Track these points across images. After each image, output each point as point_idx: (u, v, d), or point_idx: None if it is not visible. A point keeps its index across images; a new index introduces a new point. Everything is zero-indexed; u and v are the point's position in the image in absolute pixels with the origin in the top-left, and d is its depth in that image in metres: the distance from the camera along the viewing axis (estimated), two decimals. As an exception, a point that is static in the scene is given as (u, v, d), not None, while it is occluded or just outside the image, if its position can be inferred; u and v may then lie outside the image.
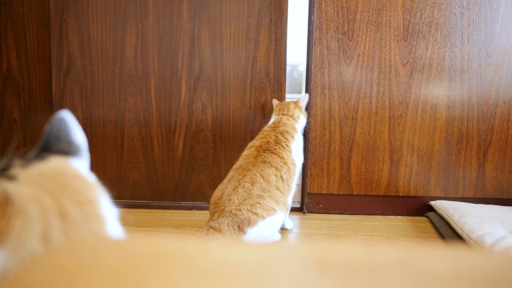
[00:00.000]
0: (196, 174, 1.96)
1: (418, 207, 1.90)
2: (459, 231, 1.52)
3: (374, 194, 1.91)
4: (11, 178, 0.37)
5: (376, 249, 0.34)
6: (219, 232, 1.40)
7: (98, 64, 1.91)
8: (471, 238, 1.42)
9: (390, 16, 1.80)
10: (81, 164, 0.46)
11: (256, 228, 1.41)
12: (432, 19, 1.80)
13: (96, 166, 1.96)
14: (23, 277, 0.29)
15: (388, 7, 1.79)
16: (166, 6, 1.87)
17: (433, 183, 1.88)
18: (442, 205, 1.75)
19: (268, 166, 1.50)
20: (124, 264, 0.30)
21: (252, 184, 1.45)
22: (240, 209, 1.40)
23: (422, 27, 1.80)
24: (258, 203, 1.42)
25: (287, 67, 1.91)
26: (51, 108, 1.95)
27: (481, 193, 1.88)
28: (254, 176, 1.47)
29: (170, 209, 1.95)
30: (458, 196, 1.88)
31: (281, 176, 1.51)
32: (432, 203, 1.84)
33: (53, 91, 1.93)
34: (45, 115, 1.97)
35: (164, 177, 1.96)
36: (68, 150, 0.45)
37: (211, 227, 1.42)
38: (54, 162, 0.43)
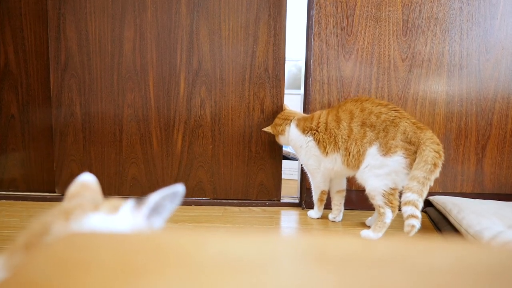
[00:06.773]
0: (195, 170, 1.96)
1: (417, 203, 1.90)
2: (457, 226, 1.52)
3: (372, 189, 1.90)
4: None
5: (375, 244, 0.34)
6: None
7: (96, 59, 1.90)
8: (469, 233, 1.42)
9: (389, 11, 1.79)
10: None
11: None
12: (432, 14, 1.79)
13: (95, 162, 1.95)
14: (22, 270, 0.29)
15: (388, 2, 1.79)
16: (164, 1, 1.86)
17: (432, 179, 1.88)
18: (440, 200, 1.76)
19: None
20: (122, 258, 0.30)
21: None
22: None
23: (421, 22, 1.80)
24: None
25: (286, 62, 1.91)
26: (49, 103, 1.95)
27: (480, 188, 1.88)
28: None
29: (169, 204, 1.94)
30: (457, 191, 1.88)
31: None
32: (431, 198, 1.85)
33: (51, 87, 1.92)
34: (43, 111, 1.97)
35: (162, 173, 1.96)
36: None
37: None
38: None
